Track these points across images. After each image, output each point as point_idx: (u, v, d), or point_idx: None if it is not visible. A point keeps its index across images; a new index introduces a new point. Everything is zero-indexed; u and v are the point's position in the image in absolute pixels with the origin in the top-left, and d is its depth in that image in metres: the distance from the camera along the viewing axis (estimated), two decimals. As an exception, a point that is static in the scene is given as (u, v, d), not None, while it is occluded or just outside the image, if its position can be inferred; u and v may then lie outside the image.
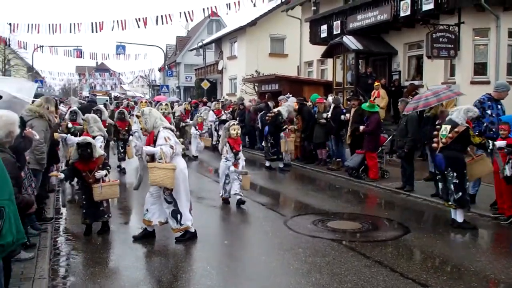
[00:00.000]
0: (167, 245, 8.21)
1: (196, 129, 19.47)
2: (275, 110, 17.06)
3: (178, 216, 8.15)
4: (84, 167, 8.40)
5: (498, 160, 8.98)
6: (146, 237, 8.35)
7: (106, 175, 8.52)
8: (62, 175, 8.56)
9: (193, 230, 8.37)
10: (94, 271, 6.97)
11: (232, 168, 10.96)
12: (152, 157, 8.15)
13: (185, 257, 7.59)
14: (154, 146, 8.05)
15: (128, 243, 8.25)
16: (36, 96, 9.87)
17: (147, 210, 8.32)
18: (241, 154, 11.30)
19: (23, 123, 7.32)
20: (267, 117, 17.06)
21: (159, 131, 8.09)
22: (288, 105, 16.87)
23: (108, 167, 8.81)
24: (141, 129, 8.90)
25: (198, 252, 7.84)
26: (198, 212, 10.37)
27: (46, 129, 8.45)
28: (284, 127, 16.44)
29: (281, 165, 16.68)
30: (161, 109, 12.38)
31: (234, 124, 11.32)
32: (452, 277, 6.76)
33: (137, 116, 8.74)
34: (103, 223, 8.69)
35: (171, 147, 8.02)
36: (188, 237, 8.27)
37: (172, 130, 8.47)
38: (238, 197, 10.92)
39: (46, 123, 8.41)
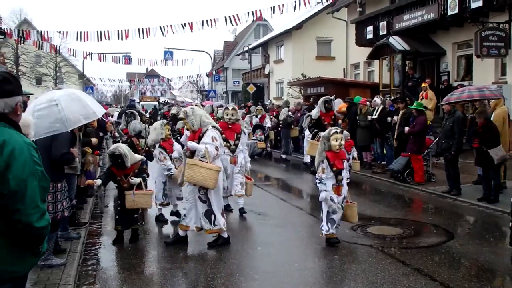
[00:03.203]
0: (199, 250, 8.02)
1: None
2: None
3: (212, 216, 7.90)
4: (119, 172, 8.29)
5: None
6: (178, 242, 8.17)
7: (140, 183, 8.33)
8: (99, 181, 8.42)
9: (226, 236, 8.14)
10: (121, 277, 6.88)
11: (323, 194, 8.03)
12: (192, 154, 7.90)
13: (216, 263, 7.34)
14: (198, 142, 7.80)
15: (160, 249, 8.12)
16: None
17: (184, 216, 8.13)
18: (345, 173, 8.30)
19: (74, 139, 7.63)
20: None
21: (207, 130, 7.85)
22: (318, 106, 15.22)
23: (145, 175, 8.64)
24: (187, 129, 8.53)
25: (230, 259, 7.58)
26: (233, 216, 10.20)
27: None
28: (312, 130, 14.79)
29: None
30: (227, 114, 10.25)
31: (336, 132, 8.17)
32: (496, 287, 6.34)
33: (181, 118, 8.38)
34: (133, 230, 8.48)
35: (216, 148, 7.80)
36: (220, 243, 8.06)
37: (220, 131, 8.24)
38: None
39: None
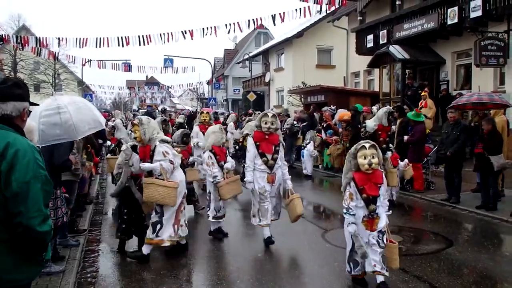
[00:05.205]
0: (200, 258, 8.07)
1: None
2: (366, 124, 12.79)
3: (158, 226, 7.62)
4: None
5: None
6: (178, 250, 8.12)
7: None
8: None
9: (148, 253, 7.74)
10: (121, 284, 6.89)
11: (351, 228, 6.22)
12: (149, 173, 7.71)
13: (217, 270, 7.40)
14: (151, 161, 7.62)
15: (160, 256, 8.07)
16: None
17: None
18: (383, 202, 6.36)
19: (72, 147, 7.62)
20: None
21: (155, 146, 7.66)
22: (376, 117, 12.23)
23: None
24: (135, 138, 8.21)
25: (231, 266, 7.65)
26: (233, 222, 10.20)
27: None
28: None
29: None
30: (265, 122, 8.52)
31: (365, 147, 6.25)
32: (494, 293, 6.40)
33: (133, 124, 8.14)
34: (140, 238, 8.10)
35: (171, 162, 7.62)
36: (136, 256, 7.77)
37: (168, 142, 8.01)
38: (380, 278, 6.31)
39: None
